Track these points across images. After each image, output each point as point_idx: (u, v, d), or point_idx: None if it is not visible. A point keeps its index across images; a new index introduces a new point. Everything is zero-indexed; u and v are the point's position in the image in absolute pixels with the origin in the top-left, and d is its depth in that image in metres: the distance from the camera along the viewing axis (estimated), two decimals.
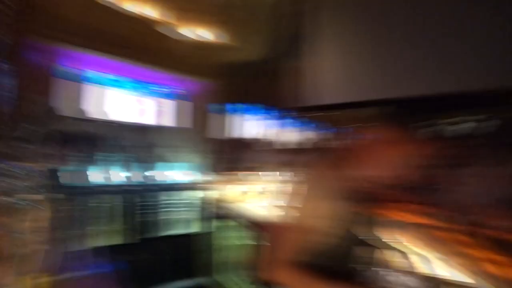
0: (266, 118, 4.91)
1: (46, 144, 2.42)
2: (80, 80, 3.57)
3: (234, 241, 2.91)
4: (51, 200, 2.13)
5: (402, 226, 1.57)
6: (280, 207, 0.99)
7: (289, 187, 0.98)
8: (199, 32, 4.09)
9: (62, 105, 3.19)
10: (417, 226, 1.57)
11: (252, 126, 4.71)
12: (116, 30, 3.47)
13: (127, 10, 3.49)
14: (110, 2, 3.38)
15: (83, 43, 3.33)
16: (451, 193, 1.61)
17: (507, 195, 1.49)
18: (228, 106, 4.59)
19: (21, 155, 1.71)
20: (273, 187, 2.90)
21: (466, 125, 1.91)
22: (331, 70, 2.75)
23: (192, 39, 4.03)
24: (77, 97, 3.53)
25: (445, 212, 1.55)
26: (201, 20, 4.00)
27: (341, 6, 2.80)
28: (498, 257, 1.28)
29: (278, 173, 2.88)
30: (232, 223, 2.85)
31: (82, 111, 3.31)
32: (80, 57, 3.67)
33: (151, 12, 3.67)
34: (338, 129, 3.40)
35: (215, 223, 2.99)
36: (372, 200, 0.98)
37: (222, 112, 4.55)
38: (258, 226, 2.46)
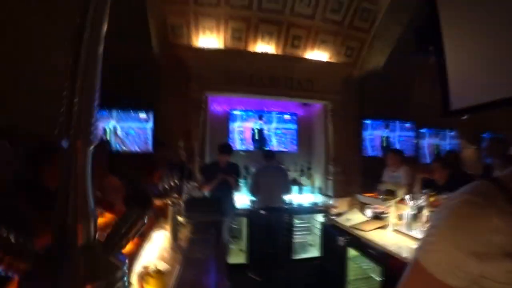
0: (402, 131, 4.30)
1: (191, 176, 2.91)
2: (228, 118, 4.29)
3: (360, 271, 2.58)
4: (193, 221, 2.57)
5: None
6: (416, 241, 0.55)
7: (431, 217, 0.60)
8: (320, 55, 4.17)
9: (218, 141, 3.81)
10: None
11: (386, 141, 4.23)
12: (249, 71, 3.98)
13: (255, 52, 4.01)
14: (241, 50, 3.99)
15: (223, 88, 3.98)
16: None
17: None
18: (357, 123, 4.31)
19: (176, 188, 2.09)
20: (410, 214, 2.42)
21: None
22: (473, 64, 2.15)
23: (315, 62, 4.15)
24: (226, 133, 4.23)
25: None
26: (320, 42, 4.08)
27: None
28: None
29: (418, 196, 2.38)
30: (359, 251, 2.54)
31: (231, 146, 3.78)
32: (224, 100, 4.45)
33: (272, 48, 4.08)
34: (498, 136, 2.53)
35: (340, 250, 2.74)
36: None
37: (350, 130, 4.31)
38: (387, 260, 2.09)
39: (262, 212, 3.38)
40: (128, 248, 1.38)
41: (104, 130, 3.51)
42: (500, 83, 1.87)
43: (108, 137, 3.50)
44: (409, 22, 3.47)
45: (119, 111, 3.55)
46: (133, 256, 1.33)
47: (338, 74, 4.23)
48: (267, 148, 4.07)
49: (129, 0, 3.11)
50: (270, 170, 3.51)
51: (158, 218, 1.96)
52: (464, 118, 2.58)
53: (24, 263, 0.37)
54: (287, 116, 4.49)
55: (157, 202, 1.71)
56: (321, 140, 4.43)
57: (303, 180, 4.40)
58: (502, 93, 1.83)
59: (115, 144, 3.53)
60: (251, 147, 4.31)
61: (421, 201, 2.35)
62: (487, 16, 2.08)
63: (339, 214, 3.04)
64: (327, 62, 4.18)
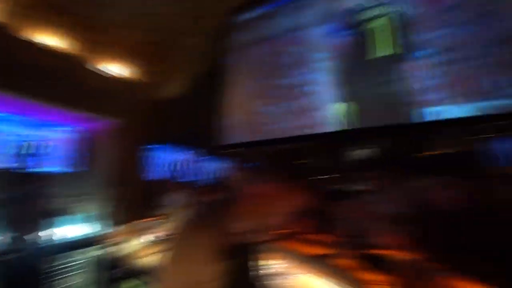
0: (180, 157, 4.66)
1: None
2: None
3: None
4: None
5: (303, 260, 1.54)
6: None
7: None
8: (114, 68, 3.83)
9: None
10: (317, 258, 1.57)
11: (165, 166, 4.43)
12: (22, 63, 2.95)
13: (36, 42, 3.05)
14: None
15: None
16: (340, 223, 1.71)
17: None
18: (140, 146, 4.25)
19: None
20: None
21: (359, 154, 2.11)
22: (236, 110, 2.81)
23: (106, 75, 3.74)
24: None
25: (337, 239, 1.61)
26: (116, 55, 3.78)
27: (249, 49, 2.91)
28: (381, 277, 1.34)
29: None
30: (139, 282, 2.45)
31: None
32: None
33: (61, 43, 3.29)
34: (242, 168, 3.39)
35: (117, 283, 2.52)
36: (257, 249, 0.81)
37: (132, 153, 4.17)
38: None
39: (9, 256, 2.50)
40: None
41: None
42: (248, 128, 2.52)
43: None
44: (206, 64, 3.95)
45: None
46: None
47: (133, 93, 4.07)
48: (23, 167, 3.13)
49: None
50: (18, 198, 2.69)
51: None
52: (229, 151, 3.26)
53: None
54: (63, 129, 3.70)
55: None
56: (103, 162, 4.00)
57: (75, 207, 3.72)
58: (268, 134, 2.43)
59: None
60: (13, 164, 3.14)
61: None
62: (253, 73, 2.70)
63: (117, 244, 2.80)
64: (124, 78, 3.94)
